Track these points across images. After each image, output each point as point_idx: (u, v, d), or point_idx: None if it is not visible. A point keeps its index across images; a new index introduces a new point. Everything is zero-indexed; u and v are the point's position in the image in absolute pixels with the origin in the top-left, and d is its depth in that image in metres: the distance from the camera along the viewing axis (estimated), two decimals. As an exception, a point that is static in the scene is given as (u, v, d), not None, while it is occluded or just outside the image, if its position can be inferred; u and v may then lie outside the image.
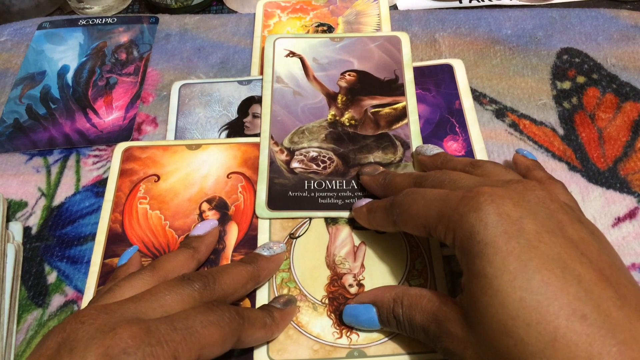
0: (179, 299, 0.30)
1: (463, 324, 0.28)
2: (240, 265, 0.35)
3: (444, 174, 0.34)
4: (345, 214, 0.40)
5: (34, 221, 0.42)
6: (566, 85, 0.48)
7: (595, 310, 0.24)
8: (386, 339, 0.35)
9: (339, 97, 0.47)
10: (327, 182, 0.42)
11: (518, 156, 0.39)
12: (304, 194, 0.41)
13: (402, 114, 0.45)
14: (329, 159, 0.43)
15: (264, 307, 0.35)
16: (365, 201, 0.39)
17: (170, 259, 0.34)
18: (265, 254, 0.37)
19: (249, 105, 0.48)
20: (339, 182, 0.42)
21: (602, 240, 0.29)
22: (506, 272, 0.25)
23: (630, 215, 0.40)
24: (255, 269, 0.35)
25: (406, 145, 0.43)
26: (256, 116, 0.47)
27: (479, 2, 0.56)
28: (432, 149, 0.41)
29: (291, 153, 0.44)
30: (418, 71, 0.49)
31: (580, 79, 0.48)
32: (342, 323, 0.35)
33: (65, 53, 0.54)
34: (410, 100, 0.46)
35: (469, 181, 0.32)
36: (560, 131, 0.45)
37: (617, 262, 0.28)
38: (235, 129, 0.46)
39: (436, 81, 0.48)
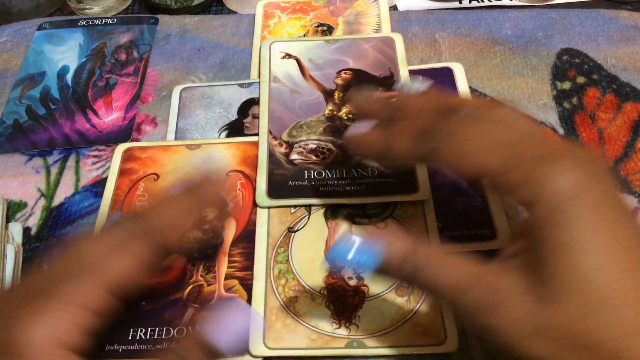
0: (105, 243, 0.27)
1: (530, 297, 0.24)
2: (176, 196, 0.31)
3: (486, 108, 0.29)
4: (346, 201, 0.40)
5: (34, 222, 0.42)
6: (566, 85, 0.48)
7: None
8: (387, 330, 0.35)
9: (336, 94, 0.47)
10: (327, 171, 0.42)
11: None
12: (304, 183, 0.41)
13: (399, 107, 0.45)
14: (328, 149, 0.43)
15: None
16: (367, 124, 0.32)
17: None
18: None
19: (249, 106, 0.48)
20: (339, 171, 0.42)
21: None
22: (606, 248, 0.23)
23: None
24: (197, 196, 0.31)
25: None
26: (256, 117, 0.47)
27: (478, 2, 0.56)
28: (421, 84, 0.34)
29: (290, 146, 0.44)
30: (417, 74, 0.49)
31: (581, 80, 0.48)
32: (341, 315, 0.35)
33: (65, 54, 0.54)
34: None
35: (527, 123, 0.28)
36: (561, 131, 0.45)
37: None
38: (235, 129, 0.46)
39: (436, 84, 0.48)
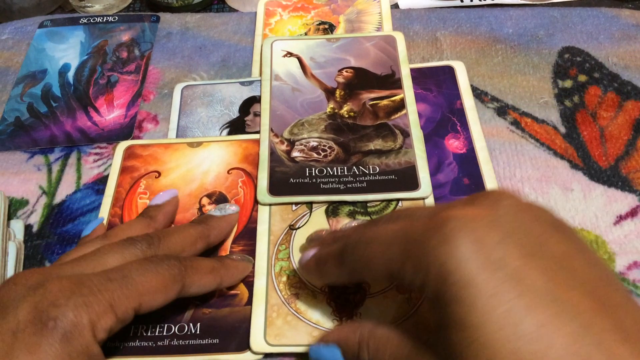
0: (120, 258, 0.30)
1: None
2: (189, 225, 0.35)
3: (399, 210, 0.30)
4: (347, 198, 0.40)
5: (35, 219, 0.42)
6: (568, 83, 0.48)
7: (597, 349, 0.20)
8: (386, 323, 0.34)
9: (337, 92, 0.47)
10: (329, 168, 0.42)
11: None
12: (306, 180, 0.41)
13: (400, 105, 0.45)
14: (330, 147, 0.43)
15: (214, 257, 0.36)
16: (312, 252, 0.33)
17: (125, 228, 0.34)
18: (216, 214, 0.37)
19: (250, 104, 0.48)
20: (340, 169, 0.42)
21: (581, 245, 0.25)
22: (492, 319, 0.21)
23: (632, 213, 0.40)
24: (205, 228, 0.35)
25: (406, 134, 0.44)
26: (257, 114, 0.47)
27: (480, 0, 0.56)
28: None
29: (291, 144, 0.44)
30: (419, 72, 0.49)
31: (582, 78, 0.48)
32: (342, 312, 0.35)
33: (67, 51, 0.54)
34: (408, 92, 0.46)
35: (431, 208, 0.28)
36: (562, 129, 0.45)
37: (604, 272, 0.24)
38: (236, 127, 0.46)
39: (437, 82, 0.48)
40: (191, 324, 0.35)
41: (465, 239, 0.22)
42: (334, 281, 0.32)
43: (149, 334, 0.35)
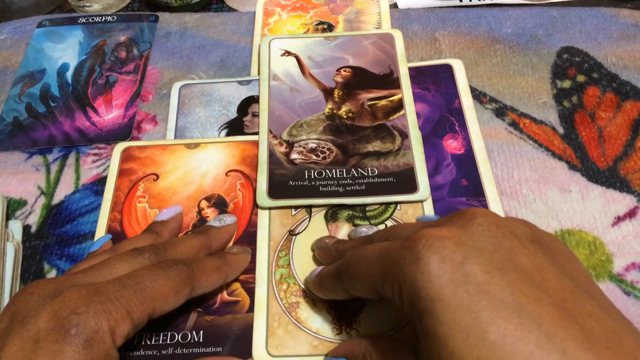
0: (129, 267, 0.31)
1: None
2: (192, 235, 0.36)
3: (392, 227, 0.32)
4: (346, 201, 0.40)
5: (34, 219, 0.42)
6: (566, 84, 0.48)
7: (560, 357, 0.21)
8: (386, 334, 0.35)
9: (336, 92, 0.47)
10: (327, 171, 0.42)
11: None
12: (305, 183, 0.41)
13: (399, 105, 0.45)
14: (328, 149, 0.43)
15: (215, 254, 0.37)
16: (318, 270, 0.36)
17: (132, 242, 0.35)
18: (216, 224, 0.39)
19: (248, 104, 0.48)
20: (339, 171, 0.42)
21: (560, 258, 0.26)
22: (458, 329, 0.22)
23: (630, 214, 0.40)
24: (207, 239, 0.37)
25: (404, 135, 0.44)
26: (255, 115, 0.47)
27: (479, 0, 0.56)
28: (368, 229, 0.38)
29: (290, 145, 0.44)
30: (417, 71, 0.49)
31: (581, 78, 0.48)
32: (342, 320, 0.35)
33: (65, 51, 0.54)
34: (406, 92, 0.46)
35: (412, 227, 0.29)
36: (560, 130, 0.45)
37: (580, 283, 0.25)
38: (234, 127, 0.46)
39: (435, 80, 0.48)
40: (194, 332, 0.35)
41: (433, 257, 0.24)
42: (335, 297, 0.34)
43: (152, 342, 0.35)
